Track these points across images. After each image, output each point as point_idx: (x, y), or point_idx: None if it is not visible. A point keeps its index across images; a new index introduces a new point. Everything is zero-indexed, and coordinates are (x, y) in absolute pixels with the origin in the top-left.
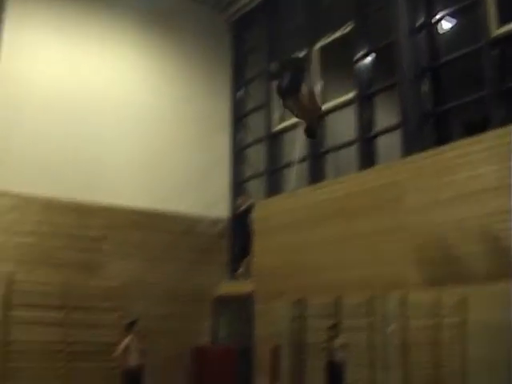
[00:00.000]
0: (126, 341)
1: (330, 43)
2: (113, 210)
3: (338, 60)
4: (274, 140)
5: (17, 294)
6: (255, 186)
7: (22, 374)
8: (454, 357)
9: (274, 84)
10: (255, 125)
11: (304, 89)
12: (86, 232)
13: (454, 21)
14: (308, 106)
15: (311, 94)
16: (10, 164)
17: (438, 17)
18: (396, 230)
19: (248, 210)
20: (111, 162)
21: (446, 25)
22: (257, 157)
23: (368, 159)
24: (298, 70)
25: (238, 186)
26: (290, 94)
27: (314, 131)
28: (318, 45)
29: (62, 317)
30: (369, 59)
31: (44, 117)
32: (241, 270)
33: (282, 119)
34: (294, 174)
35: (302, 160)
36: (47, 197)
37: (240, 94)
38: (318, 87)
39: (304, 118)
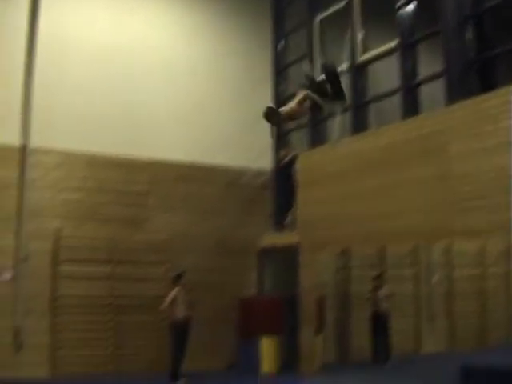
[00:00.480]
0: (173, 293)
1: None
2: (157, 165)
3: (380, 8)
4: None
5: (64, 249)
6: (298, 138)
7: (70, 327)
8: (499, 306)
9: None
10: (297, 76)
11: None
12: (130, 187)
13: None
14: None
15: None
16: (55, 121)
17: None
18: (440, 179)
19: (291, 162)
20: (155, 117)
21: None
22: None
23: (411, 108)
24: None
25: (281, 138)
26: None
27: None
28: None
29: (108, 271)
30: (411, 7)
31: (87, 73)
32: (286, 221)
33: None
34: (337, 125)
35: (345, 110)
36: (92, 153)
37: (280, 45)
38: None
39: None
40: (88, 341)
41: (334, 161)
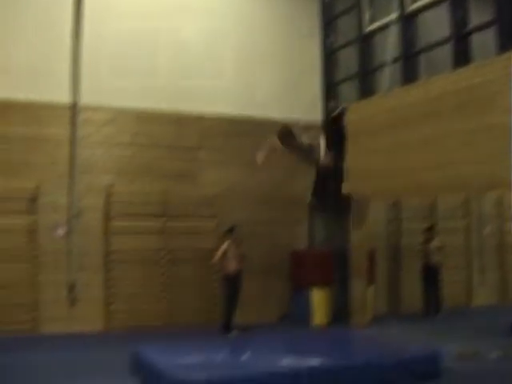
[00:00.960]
0: (224, 247)
1: None
2: (207, 119)
3: None
4: (366, 41)
5: (116, 204)
6: (348, 89)
7: (123, 282)
8: None
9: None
10: (345, 27)
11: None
12: (181, 142)
13: None
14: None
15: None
16: (103, 78)
17: None
18: (492, 129)
19: (341, 113)
20: (205, 71)
21: None
22: (348, 60)
23: (462, 58)
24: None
25: (331, 90)
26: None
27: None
28: None
29: (160, 225)
30: None
31: (135, 28)
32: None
33: (373, 20)
34: (386, 75)
35: (395, 60)
36: (142, 108)
37: None
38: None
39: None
40: (141, 295)
41: (384, 111)
